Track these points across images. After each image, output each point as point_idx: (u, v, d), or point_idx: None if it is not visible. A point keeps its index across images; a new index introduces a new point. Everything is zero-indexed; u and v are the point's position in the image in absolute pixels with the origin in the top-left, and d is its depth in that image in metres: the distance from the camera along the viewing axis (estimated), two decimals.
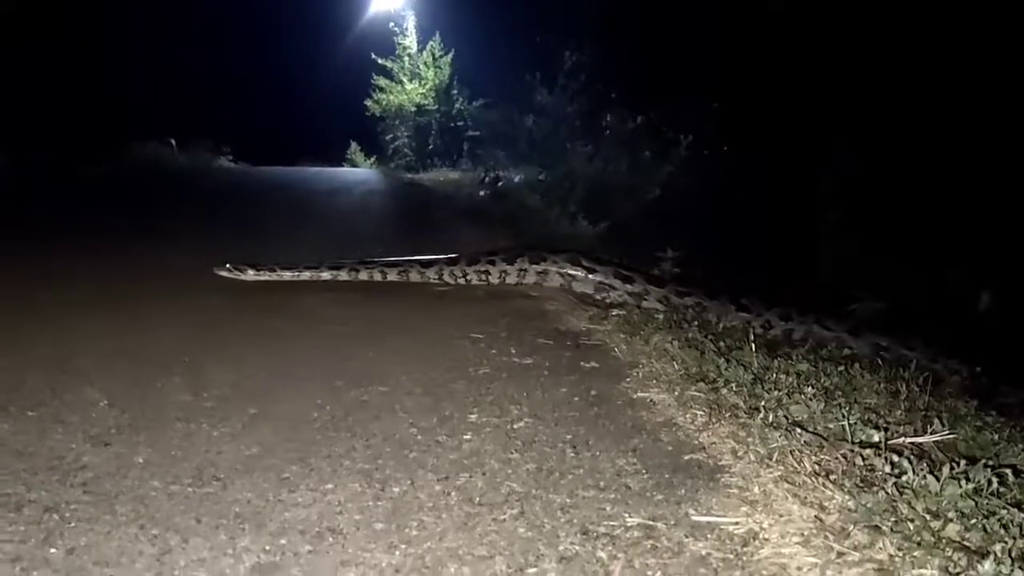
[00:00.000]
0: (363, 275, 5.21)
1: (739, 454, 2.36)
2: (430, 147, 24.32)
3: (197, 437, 2.43)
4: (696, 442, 2.49)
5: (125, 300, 4.49)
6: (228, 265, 5.03)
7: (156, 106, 23.31)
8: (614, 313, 4.37)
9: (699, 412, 2.70)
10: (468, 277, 5.29)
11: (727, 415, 2.66)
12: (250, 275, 5.03)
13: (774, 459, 2.27)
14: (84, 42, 20.92)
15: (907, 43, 10.51)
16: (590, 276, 5.17)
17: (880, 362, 3.94)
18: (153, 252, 6.36)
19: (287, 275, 5.13)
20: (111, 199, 12.09)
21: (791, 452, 2.30)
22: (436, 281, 5.27)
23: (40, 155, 16.53)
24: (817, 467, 2.21)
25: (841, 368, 3.45)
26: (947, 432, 2.60)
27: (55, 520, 1.88)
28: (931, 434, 2.58)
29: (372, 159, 27.75)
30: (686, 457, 2.37)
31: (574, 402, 2.89)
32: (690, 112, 11.10)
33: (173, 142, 20.98)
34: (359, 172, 24.76)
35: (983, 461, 2.24)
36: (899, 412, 2.94)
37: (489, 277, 5.30)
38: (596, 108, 11.50)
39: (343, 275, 5.18)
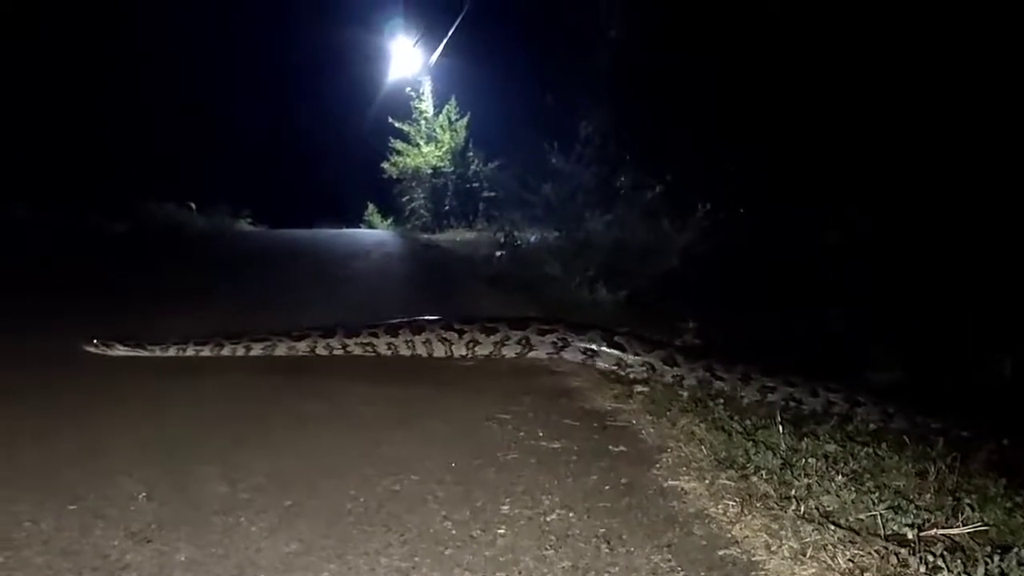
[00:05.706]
0: (226, 351, 5.17)
1: (772, 549, 2.37)
2: (446, 208, 24.68)
3: (236, 533, 2.46)
4: (729, 535, 2.51)
5: (151, 380, 4.54)
6: (96, 340, 5.00)
7: (176, 168, 23.82)
8: (638, 391, 4.40)
9: (731, 502, 2.72)
10: (349, 349, 5.35)
11: (759, 505, 2.68)
12: (119, 350, 5.02)
13: (807, 555, 2.29)
14: (106, 101, 21.54)
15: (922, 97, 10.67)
16: (463, 336, 5.37)
17: (907, 439, 3.94)
18: (179, 320, 6.35)
19: (157, 350, 5.09)
20: (138, 261, 12.28)
21: (824, 547, 2.32)
22: (307, 354, 5.29)
23: (60, 210, 16.93)
24: (851, 564, 2.23)
25: (868, 449, 3.46)
26: (979, 523, 2.60)
27: None
28: (963, 524, 2.58)
29: (389, 220, 28.16)
30: (720, 552, 2.38)
31: (605, 491, 2.91)
32: (703, 174, 11.24)
33: (193, 205, 21.37)
34: (376, 233, 25.12)
35: (1016, 551, 2.25)
36: (928, 496, 2.95)
37: (375, 348, 5.37)
38: (612, 171, 11.64)
39: (206, 351, 5.13)
